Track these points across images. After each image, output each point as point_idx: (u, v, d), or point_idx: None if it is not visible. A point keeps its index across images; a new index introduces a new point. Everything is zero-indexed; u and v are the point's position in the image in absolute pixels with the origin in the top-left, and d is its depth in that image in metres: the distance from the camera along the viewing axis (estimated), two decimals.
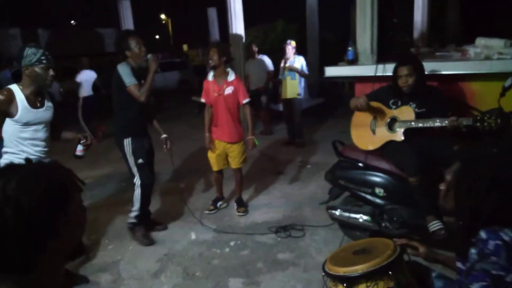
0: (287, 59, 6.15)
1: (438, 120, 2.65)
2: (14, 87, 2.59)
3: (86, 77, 7.29)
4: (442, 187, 1.45)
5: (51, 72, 2.61)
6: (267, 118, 7.49)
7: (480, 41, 3.39)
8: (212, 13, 14.80)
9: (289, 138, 6.60)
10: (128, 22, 9.51)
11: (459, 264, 1.43)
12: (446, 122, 2.59)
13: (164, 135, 3.56)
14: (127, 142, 3.31)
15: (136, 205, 3.43)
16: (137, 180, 3.40)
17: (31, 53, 2.53)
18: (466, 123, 2.54)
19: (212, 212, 4.06)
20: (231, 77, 3.79)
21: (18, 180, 0.84)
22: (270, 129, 7.51)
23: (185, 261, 3.18)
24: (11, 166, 0.90)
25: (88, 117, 7.38)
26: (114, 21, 11.80)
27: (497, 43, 3.25)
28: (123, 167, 5.63)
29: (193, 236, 3.57)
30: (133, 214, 3.45)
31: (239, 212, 4.00)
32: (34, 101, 2.63)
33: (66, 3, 22.16)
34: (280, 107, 7.72)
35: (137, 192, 3.41)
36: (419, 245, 1.69)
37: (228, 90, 3.74)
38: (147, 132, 3.51)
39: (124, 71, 3.19)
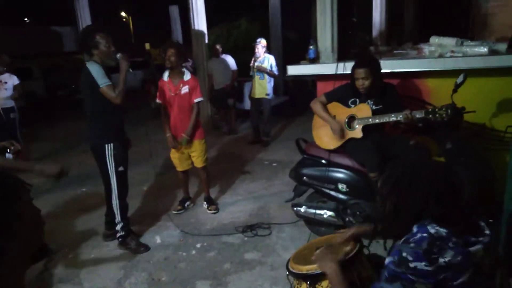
0: (257, 58, 6.13)
1: (393, 115, 2.74)
2: None
3: (14, 81, 5.79)
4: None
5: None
6: (233, 118, 7.46)
7: (434, 39, 3.53)
8: (174, 11, 14.55)
9: (254, 137, 6.61)
10: (85, 20, 9.11)
11: None
12: (401, 116, 2.69)
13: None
14: (109, 148, 3.10)
15: (118, 216, 3.26)
16: (114, 190, 3.20)
17: None
18: (419, 116, 2.65)
19: (180, 212, 4.01)
20: (187, 76, 3.74)
21: None
22: (235, 128, 7.49)
23: (150, 266, 3.10)
24: None
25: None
26: (71, 19, 11.31)
27: (449, 42, 3.39)
28: (83, 170, 5.44)
29: (158, 240, 3.50)
30: (119, 226, 3.29)
31: (210, 210, 3.98)
32: None
33: None
34: (245, 106, 7.72)
35: (115, 203, 3.22)
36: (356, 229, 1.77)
37: (185, 89, 3.70)
38: (125, 136, 3.33)
39: (96, 71, 2.97)
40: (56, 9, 19.30)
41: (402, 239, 1.30)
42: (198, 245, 3.36)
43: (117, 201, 3.23)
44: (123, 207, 3.29)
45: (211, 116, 7.79)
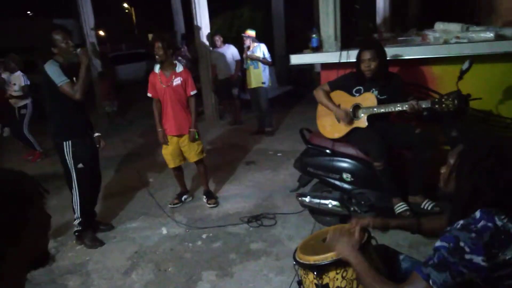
0: (248, 47, 6.09)
1: (399, 105, 2.71)
2: None
3: (21, 82, 5.94)
4: (443, 170, 1.44)
5: None
6: (238, 108, 7.44)
7: (439, 25, 3.46)
8: (176, 1, 14.43)
9: (258, 127, 6.60)
10: (87, 12, 9.07)
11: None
12: (406, 106, 2.66)
13: (97, 134, 3.44)
14: (67, 145, 3.15)
15: (77, 211, 3.31)
16: (74, 185, 3.25)
17: None
18: (426, 106, 2.62)
19: (177, 205, 4.01)
20: (179, 68, 3.71)
21: None
22: (240, 118, 7.47)
23: (156, 257, 3.13)
24: None
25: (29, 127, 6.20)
26: (73, 11, 11.24)
27: (454, 28, 3.33)
28: None
29: (164, 231, 3.52)
30: (77, 221, 3.34)
31: (209, 204, 3.96)
32: None
33: None
34: (249, 96, 7.69)
35: (76, 198, 3.28)
36: (368, 220, 1.70)
37: (177, 81, 3.67)
38: (88, 131, 3.35)
39: (52, 70, 3.01)
40: (58, 1, 19.20)
41: (461, 223, 1.20)
42: (204, 236, 3.38)
43: (77, 197, 3.28)
44: (83, 204, 3.31)
45: (216, 107, 7.78)
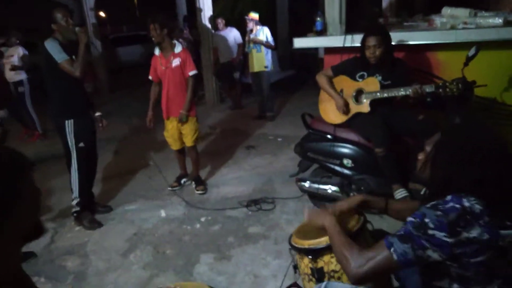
0: (251, 30, 6.00)
1: (402, 89, 2.67)
2: None
3: (19, 52, 5.99)
4: (421, 156, 1.44)
5: None
6: (239, 92, 7.37)
7: (446, 10, 3.39)
8: None
9: (259, 111, 6.54)
10: None
11: None
12: (410, 90, 2.61)
13: (98, 113, 3.44)
14: (69, 124, 3.15)
15: (76, 191, 3.30)
16: (74, 165, 3.24)
17: None
18: (429, 90, 2.58)
19: (176, 188, 3.99)
20: (178, 48, 3.64)
21: None
22: (241, 103, 7.41)
23: (155, 239, 3.13)
24: None
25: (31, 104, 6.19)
26: None
27: (462, 13, 3.26)
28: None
29: (163, 214, 3.52)
30: (75, 201, 3.33)
31: (197, 190, 3.91)
32: None
33: None
34: (251, 80, 7.62)
35: (74, 177, 3.27)
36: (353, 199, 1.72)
37: (176, 61, 3.60)
38: (88, 111, 3.35)
39: (52, 47, 3.00)
40: None
41: (432, 203, 1.23)
42: (202, 219, 3.37)
43: (77, 177, 3.27)
44: (82, 183, 3.31)
45: (216, 90, 7.71)
